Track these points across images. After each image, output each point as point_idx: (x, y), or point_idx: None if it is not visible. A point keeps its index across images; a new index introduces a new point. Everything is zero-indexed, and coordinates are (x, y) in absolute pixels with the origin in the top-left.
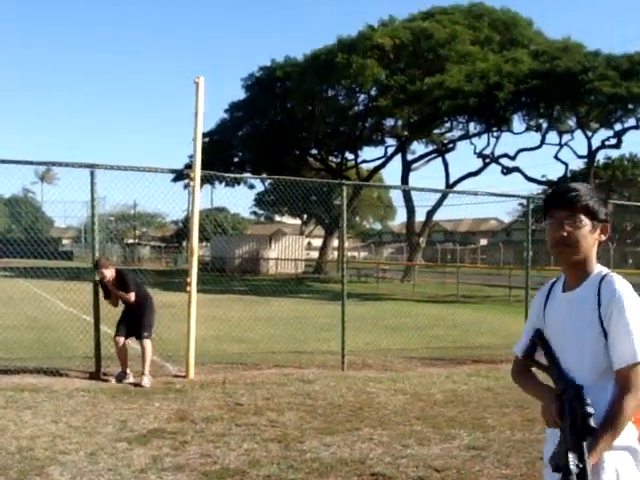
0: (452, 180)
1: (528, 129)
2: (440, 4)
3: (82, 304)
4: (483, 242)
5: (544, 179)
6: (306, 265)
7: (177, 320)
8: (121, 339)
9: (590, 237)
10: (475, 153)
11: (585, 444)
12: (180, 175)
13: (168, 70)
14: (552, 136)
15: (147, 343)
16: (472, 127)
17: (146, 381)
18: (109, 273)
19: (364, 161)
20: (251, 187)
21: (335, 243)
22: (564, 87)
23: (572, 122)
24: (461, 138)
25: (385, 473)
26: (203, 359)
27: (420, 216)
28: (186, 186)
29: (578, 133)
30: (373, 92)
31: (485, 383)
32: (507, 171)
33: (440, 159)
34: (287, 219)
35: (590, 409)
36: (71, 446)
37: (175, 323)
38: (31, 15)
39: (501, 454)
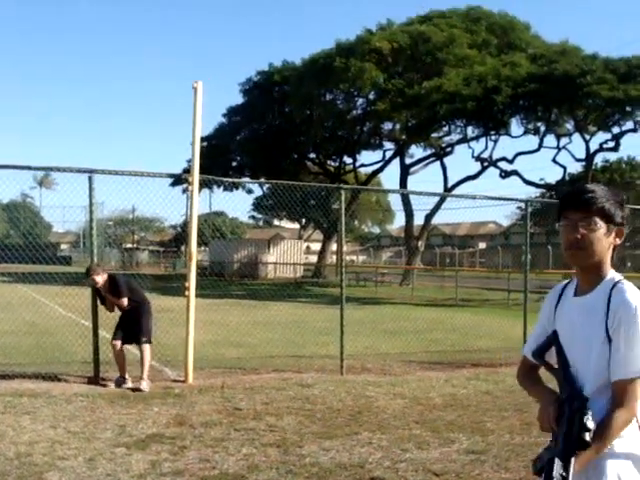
0: (450, 184)
1: (526, 132)
2: (438, 7)
3: (80, 309)
4: (482, 246)
5: (542, 182)
6: (305, 269)
7: (176, 325)
8: (118, 343)
9: (605, 240)
10: (473, 157)
11: (574, 458)
12: (178, 180)
13: (166, 75)
14: (550, 139)
15: (146, 348)
16: (470, 131)
17: (145, 386)
18: (100, 279)
19: (362, 165)
20: (249, 192)
21: (334, 247)
22: (562, 90)
23: (570, 125)
24: (459, 142)
25: (384, 477)
26: (202, 364)
27: (419, 220)
28: (184, 190)
29: (576, 136)
30: (371, 96)
31: (484, 387)
32: (505, 174)
33: (438, 163)
34: (286, 223)
35: (590, 424)
36: (70, 451)
37: (174, 328)
38: (31, 20)
39: (500, 458)
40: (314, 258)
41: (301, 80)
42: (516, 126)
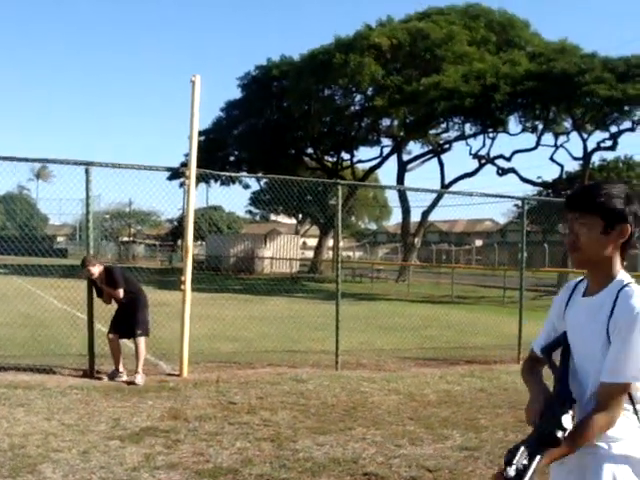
0: (447, 181)
1: (524, 130)
2: (436, 4)
3: (76, 301)
4: (478, 243)
5: (539, 180)
6: (301, 264)
7: (171, 319)
8: (113, 336)
9: (603, 240)
10: (471, 154)
11: (540, 455)
12: (176, 173)
13: (164, 68)
14: (548, 138)
15: (141, 341)
16: (468, 128)
17: (139, 379)
18: (96, 270)
19: (360, 161)
20: (246, 187)
21: (330, 243)
22: (560, 89)
23: (568, 124)
24: (457, 139)
25: (378, 473)
26: (197, 358)
27: (415, 216)
28: (182, 184)
29: (574, 135)
30: (369, 92)
31: (479, 384)
32: (502, 172)
33: (436, 160)
34: (282, 218)
35: (567, 424)
36: (64, 444)
37: (169, 321)
38: (29, 13)
39: (494, 455)
40: (310, 253)
41: (300, 75)
42: (514, 124)
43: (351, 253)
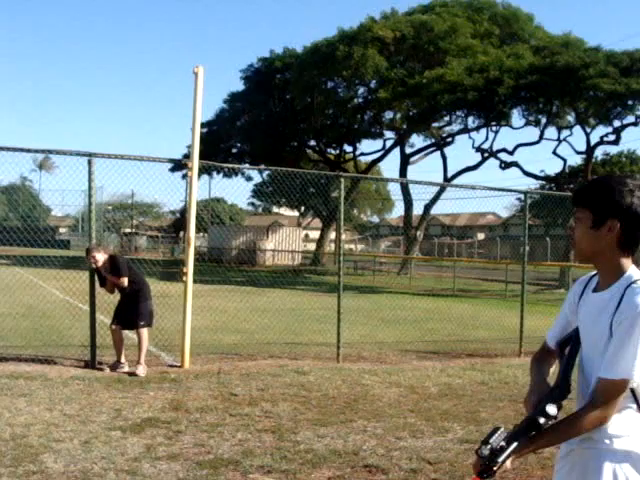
0: (450, 174)
1: (527, 124)
2: None
3: (78, 293)
4: (480, 236)
5: (542, 174)
6: (303, 257)
7: (173, 310)
8: (116, 327)
9: (593, 234)
10: (474, 147)
11: (517, 441)
12: (178, 165)
13: (168, 60)
14: (551, 131)
15: (143, 332)
16: (471, 121)
17: (141, 370)
18: (101, 257)
19: (362, 154)
20: (248, 179)
21: (332, 235)
22: (564, 82)
23: (571, 118)
24: (460, 132)
25: (378, 465)
26: (198, 349)
27: (418, 209)
28: (184, 176)
29: (577, 129)
30: (372, 85)
31: (480, 377)
32: (505, 166)
33: (438, 153)
34: (285, 211)
35: (552, 411)
36: (65, 434)
37: (171, 313)
38: (30, 3)
39: None
40: (312, 246)
41: (303, 67)
42: (517, 117)
43: (353, 246)
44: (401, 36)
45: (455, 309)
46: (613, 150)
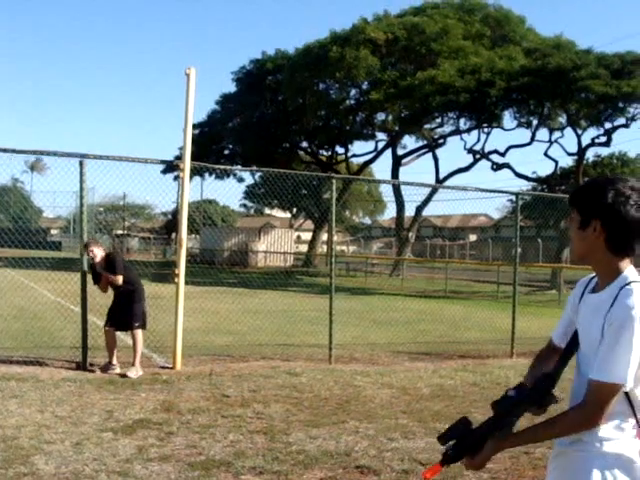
0: (442, 175)
1: (519, 126)
2: None
3: (70, 294)
4: (472, 238)
5: (534, 176)
6: (295, 258)
7: (165, 311)
8: (109, 328)
9: (581, 235)
10: (465, 149)
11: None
12: (170, 166)
13: (160, 61)
14: (542, 133)
15: (138, 334)
16: (463, 123)
17: (132, 372)
18: (98, 252)
19: (354, 155)
20: (240, 180)
21: (324, 237)
22: (555, 84)
23: (562, 119)
24: (452, 134)
25: (370, 466)
26: (190, 351)
27: (410, 211)
28: (176, 178)
29: (568, 131)
30: (365, 86)
31: (471, 378)
32: (497, 167)
33: (430, 155)
34: (277, 212)
35: (516, 410)
36: (56, 435)
37: (163, 314)
38: (22, 4)
39: None
40: (304, 247)
41: (295, 69)
42: (509, 119)
43: (345, 247)
44: (393, 38)
45: (447, 310)
46: (604, 152)
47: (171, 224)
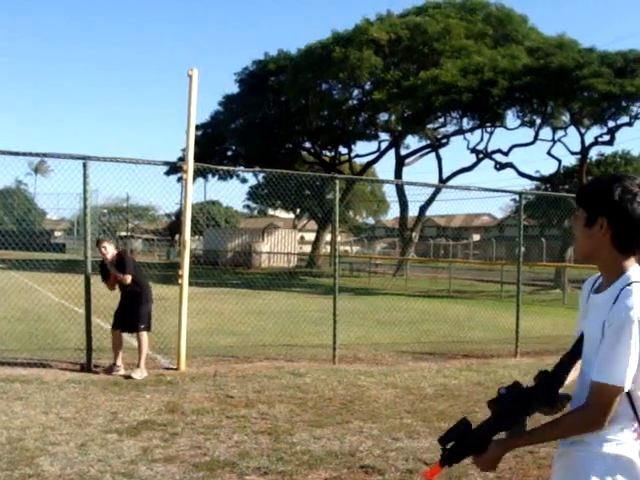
0: (445, 175)
1: (522, 125)
2: None
3: (74, 296)
4: (476, 238)
5: (537, 175)
6: (299, 259)
7: (169, 313)
8: (117, 330)
9: (587, 233)
10: (468, 148)
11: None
12: (173, 168)
13: (162, 62)
14: (546, 132)
15: (143, 336)
16: (465, 122)
17: (137, 374)
18: (111, 249)
19: (357, 155)
20: (243, 181)
21: (328, 237)
22: (558, 83)
23: (566, 118)
24: (455, 133)
25: (375, 466)
26: (194, 352)
27: (413, 211)
28: (179, 179)
29: (571, 129)
30: (367, 86)
31: (475, 377)
32: (500, 167)
33: (433, 154)
34: (280, 213)
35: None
36: (61, 437)
37: (167, 316)
38: (25, 5)
39: None
40: (308, 248)
41: (297, 70)
42: (512, 118)
43: (349, 247)
44: (396, 38)
45: (451, 310)
46: (608, 151)
47: (175, 225)
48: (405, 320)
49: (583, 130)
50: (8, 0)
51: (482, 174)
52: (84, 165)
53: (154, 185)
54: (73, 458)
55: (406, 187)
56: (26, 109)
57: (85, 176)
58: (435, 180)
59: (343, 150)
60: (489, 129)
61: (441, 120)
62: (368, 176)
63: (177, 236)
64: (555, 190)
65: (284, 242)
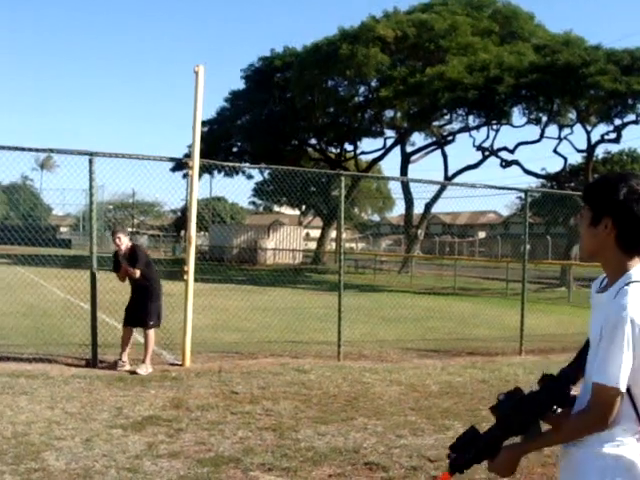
0: (451, 173)
1: (528, 122)
2: None
3: (79, 291)
4: (481, 235)
5: (543, 173)
6: (304, 256)
7: (174, 309)
8: (128, 328)
9: (592, 231)
10: (474, 146)
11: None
12: (179, 164)
13: (169, 58)
14: (552, 130)
15: (151, 332)
16: (471, 120)
17: (142, 369)
18: (125, 240)
19: (363, 152)
20: (249, 177)
21: (333, 234)
22: (564, 81)
23: (572, 116)
24: (460, 131)
25: (379, 462)
26: (199, 348)
27: (419, 208)
28: (185, 175)
29: (578, 127)
30: (374, 83)
31: (480, 375)
32: (506, 164)
33: (439, 152)
34: (285, 209)
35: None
36: (67, 432)
37: (172, 312)
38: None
39: None
40: (313, 245)
41: (304, 66)
42: (518, 116)
43: (354, 244)
44: (402, 35)
45: (456, 307)
46: (614, 148)
47: (180, 221)
48: (410, 317)
49: (589, 128)
50: None
51: (488, 171)
52: (90, 161)
53: (160, 181)
54: (78, 453)
55: (412, 184)
56: (32, 104)
57: (91, 172)
58: (441, 177)
59: (349, 147)
60: (495, 126)
61: (447, 117)
62: (374, 173)
63: (182, 232)
64: (561, 188)
65: (289, 239)
